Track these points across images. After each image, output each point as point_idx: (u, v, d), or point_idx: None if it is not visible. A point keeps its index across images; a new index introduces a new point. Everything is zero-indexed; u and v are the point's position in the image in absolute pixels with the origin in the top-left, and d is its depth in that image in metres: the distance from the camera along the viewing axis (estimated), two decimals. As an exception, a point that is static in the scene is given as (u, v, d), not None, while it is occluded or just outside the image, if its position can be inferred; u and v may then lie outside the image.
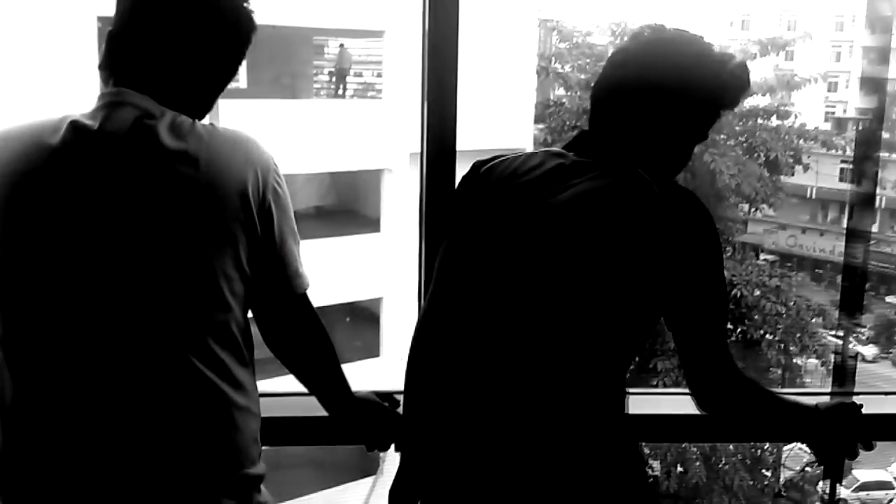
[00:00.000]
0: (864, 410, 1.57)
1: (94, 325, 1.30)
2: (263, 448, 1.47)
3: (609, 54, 1.54)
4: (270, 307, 1.47)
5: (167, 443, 1.33)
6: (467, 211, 1.48)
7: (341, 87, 13.91)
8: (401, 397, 1.60)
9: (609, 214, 1.35)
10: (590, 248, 1.35)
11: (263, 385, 1.50)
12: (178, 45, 1.36)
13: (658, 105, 1.42)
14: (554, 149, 1.47)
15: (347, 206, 13.29)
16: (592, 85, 1.50)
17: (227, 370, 1.36)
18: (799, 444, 13.20)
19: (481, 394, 1.41)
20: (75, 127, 1.31)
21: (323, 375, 1.58)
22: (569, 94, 11.93)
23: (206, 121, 1.41)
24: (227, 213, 1.33)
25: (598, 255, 1.34)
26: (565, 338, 1.37)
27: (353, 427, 1.66)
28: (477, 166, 1.50)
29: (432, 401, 1.49)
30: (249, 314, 1.44)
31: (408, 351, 1.54)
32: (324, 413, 1.63)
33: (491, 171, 1.48)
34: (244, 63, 1.46)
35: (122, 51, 1.37)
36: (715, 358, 1.42)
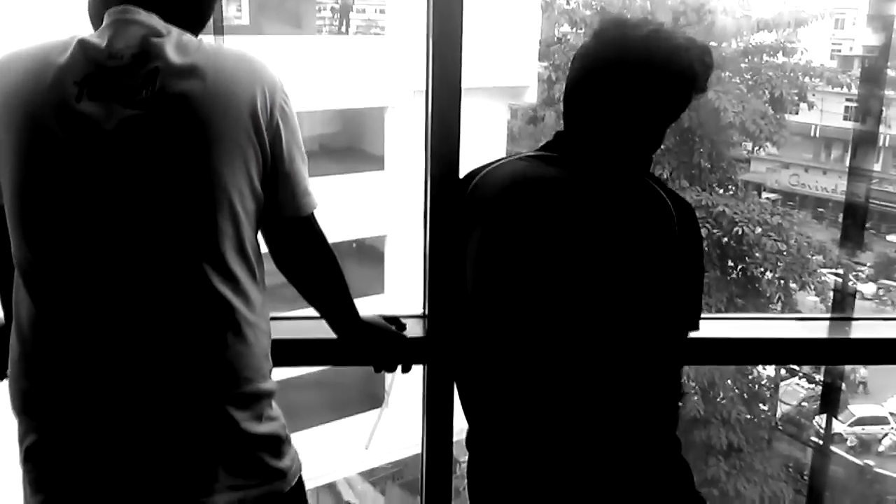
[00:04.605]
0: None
1: (110, 235, 1.33)
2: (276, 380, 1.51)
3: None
4: (280, 226, 1.49)
5: (176, 350, 1.37)
6: (491, 224, 1.56)
7: (344, 23, 13.73)
8: (407, 321, 1.69)
9: (634, 224, 1.49)
10: (624, 250, 1.49)
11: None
12: None
13: (634, 101, 1.49)
14: (542, 153, 1.56)
15: (351, 143, 13.10)
16: (564, 88, 1.55)
17: (239, 284, 1.39)
18: (796, 381, 13.38)
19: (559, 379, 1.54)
20: (83, 46, 1.32)
21: (331, 295, 1.62)
22: (574, 30, 11.78)
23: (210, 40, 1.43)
24: (237, 126, 1.34)
25: (630, 256, 1.49)
26: (619, 326, 1.52)
27: (360, 349, 1.69)
28: (468, 178, 1.62)
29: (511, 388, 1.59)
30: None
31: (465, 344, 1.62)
32: (333, 336, 1.67)
33: (485, 186, 1.58)
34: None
35: None
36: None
